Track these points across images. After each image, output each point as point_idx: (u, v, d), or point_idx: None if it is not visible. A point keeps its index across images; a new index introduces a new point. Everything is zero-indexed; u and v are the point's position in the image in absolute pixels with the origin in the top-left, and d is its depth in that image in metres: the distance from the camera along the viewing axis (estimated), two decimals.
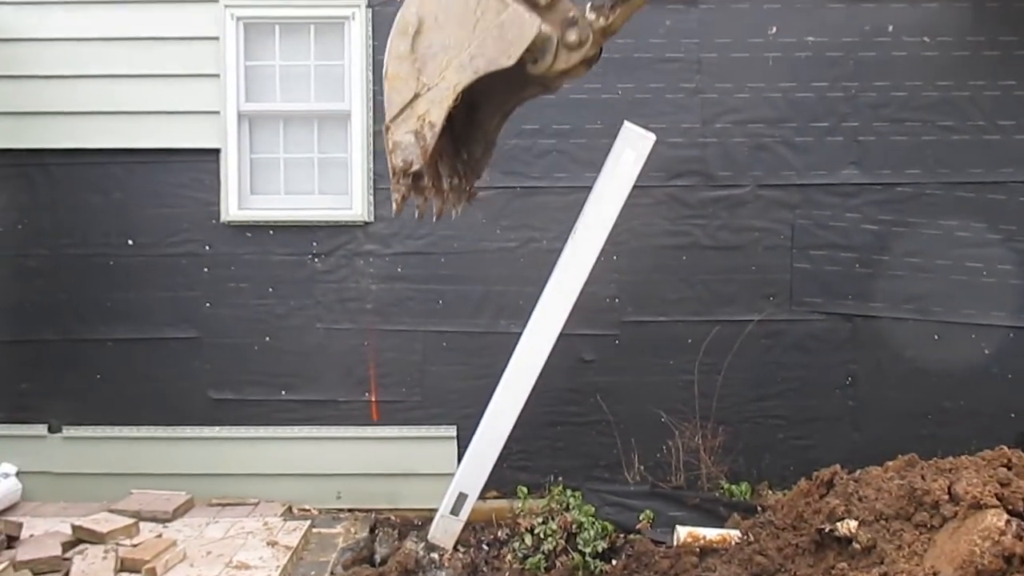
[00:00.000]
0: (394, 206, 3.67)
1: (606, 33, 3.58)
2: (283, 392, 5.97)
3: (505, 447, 5.72)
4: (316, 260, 5.92)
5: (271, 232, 5.92)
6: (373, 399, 5.87)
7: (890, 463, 4.71)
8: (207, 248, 5.94)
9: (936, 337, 5.89)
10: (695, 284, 5.89)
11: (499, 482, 5.90)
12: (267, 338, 5.95)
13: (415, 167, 3.56)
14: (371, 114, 5.84)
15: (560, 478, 5.85)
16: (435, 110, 3.46)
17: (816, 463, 5.24)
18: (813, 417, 5.91)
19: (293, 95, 5.98)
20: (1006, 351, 5.86)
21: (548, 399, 5.85)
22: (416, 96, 3.49)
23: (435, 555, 5.25)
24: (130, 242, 5.95)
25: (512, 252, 5.90)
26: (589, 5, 3.53)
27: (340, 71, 5.92)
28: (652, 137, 5.16)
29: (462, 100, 3.49)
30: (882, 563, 3.91)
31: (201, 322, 5.96)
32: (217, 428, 5.97)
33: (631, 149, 5.16)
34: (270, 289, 5.93)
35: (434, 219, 3.88)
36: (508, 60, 3.37)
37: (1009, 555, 3.49)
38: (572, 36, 3.50)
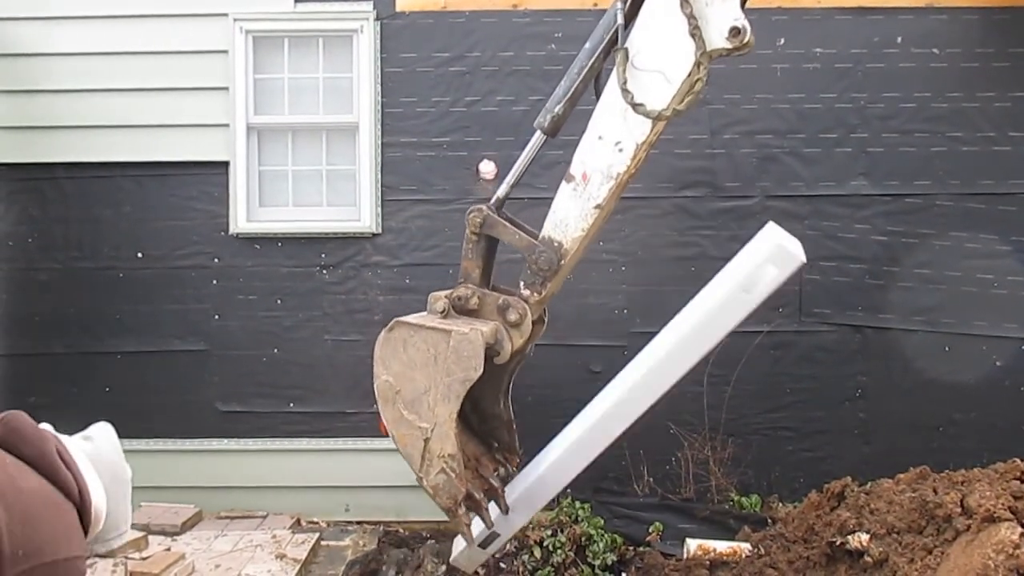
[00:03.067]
0: (467, 540, 4.10)
1: (542, 303, 3.97)
2: (291, 404, 5.97)
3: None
4: (324, 272, 5.94)
5: (279, 244, 5.94)
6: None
7: (901, 476, 4.68)
8: (216, 260, 5.95)
9: (947, 349, 5.85)
10: None
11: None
12: (275, 350, 5.95)
13: (460, 497, 3.89)
14: (379, 126, 5.86)
15: (569, 490, 5.78)
16: (447, 444, 3.78)
17: (826, 475, 5.22)
18: (823, 429, 5.88)
19: (302, 108, 6.01)
20: (1017, 363, 5.81)
21: (556, 411, 5.81)
22: (426, 441, 3.82)
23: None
24: (139, 255, 5.97)
25: (520, 263, 5.88)
26: (522, 283, 3.90)
27: (348, 83, 5.95)
28: (801, 258, 3.95)
29: (463, 410, 3.87)
30: None
31: (209, 334, 5.97)
32: (225, 440, 5.97)
33: (774, 266, 4.00)
34: (278, 301, 5.94)
35: (504, 513, 4.20)
36: (476, 372, 3.67)
37: (1022, 570, 3.45)
38: (512, 316, 3.87)
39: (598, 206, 3.65)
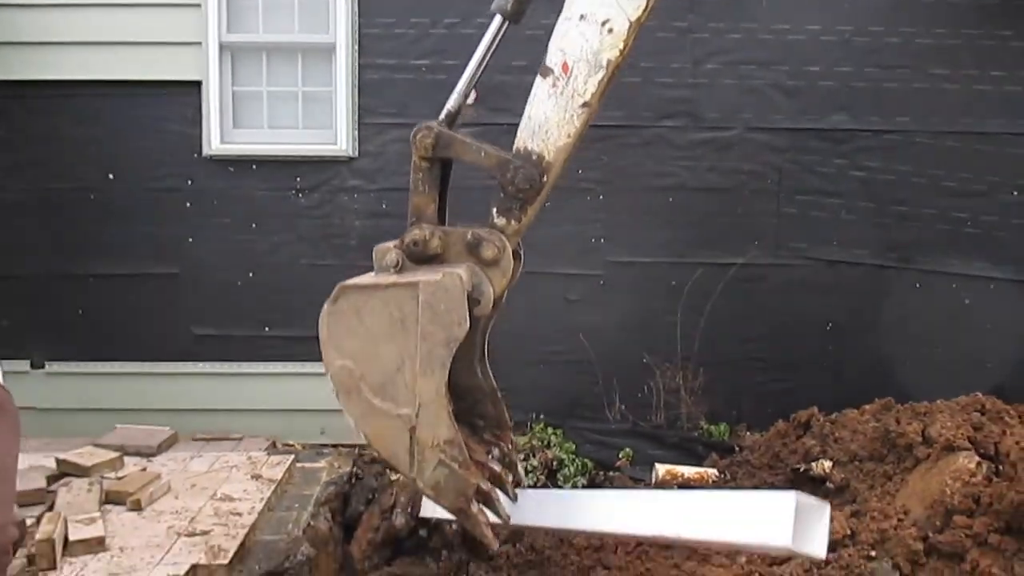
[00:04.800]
0: (487, 542, 3.29)
1: (520, 233, 3.25)
2: (266, 328, 5.97)
3: None
4: (300, 196, 5.87)
5: (254, 167, 5.85)
6: None
7: (867, 406, 4.81)
8: (189, 183, 5.86)
9: (917, 286, 5.93)
10: (680, 226, 5.88)
11: None
12: (250, 274, 5.92)
13: (471, 491, 3.21)
14: (356, 47, 5.73)
15: (542, 416, 5.91)
16: (440, 428, 3.10)
17: (795, 406, 5.34)
18: (793, 361, 5.97)
19: (276, 26, 5.84)
20: (986, 302, 5.91)
21: (531, 338, 5.89)
22: (412, 431, 3.13)
23: None
24: (110, 176, 5.86)
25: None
26: (495, 211, 3.20)
27: (325, 2, 5.78)
28: (821, 557, 3.20)
29: None
30: (854, 501, 4.01)
31: (183, 258, 5.91)
32: (200, 364, 5.97)
33: (793, 546, 3.22)
34: (253, 225, 5.88)
35: (513, 501, 3.52)
36: (461, 327, 3.03)
37: (978, 496, 3.57)
38: (488, 252, 3.15)
39: (585, 104, 2.99)
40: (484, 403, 3.66)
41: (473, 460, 3.27)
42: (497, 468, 3.50)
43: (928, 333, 5.92)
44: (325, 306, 3.18)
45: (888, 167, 5.82)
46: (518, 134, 3.11)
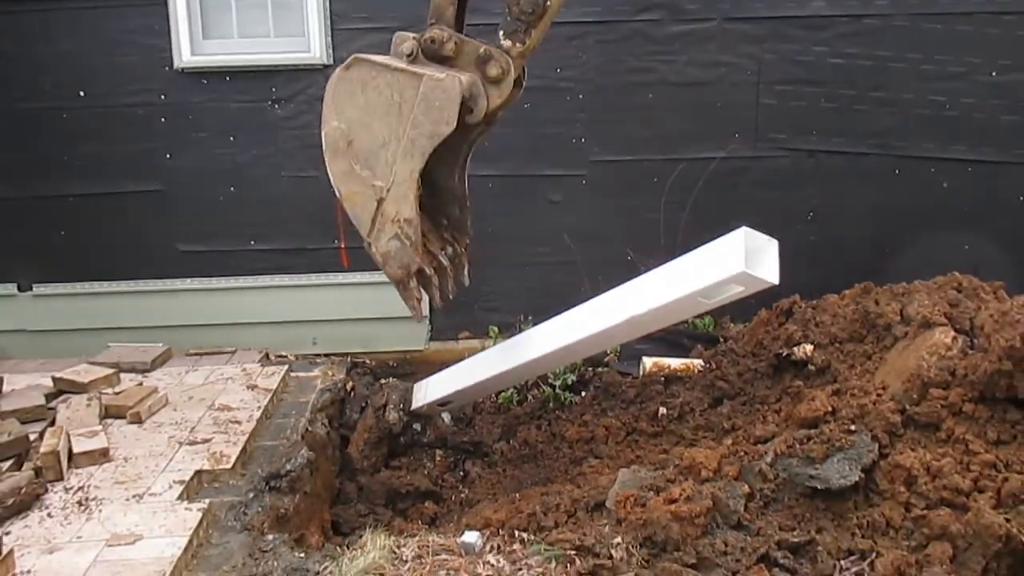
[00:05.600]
0: (414, 314, 3.77)
1: (525, 56, 3.51)
2: (252, 242, 5.98)
3: (475, 289, 5.83)
4: (276, 106, 5.79)
5: (227, 78, 5.74)
6: (343, 246, 5.88)
7: (847, 291, 4.90)
8: (162, 97, 5.76)
9: (896, 172, 5.98)
10: (661, 122, 5.86)
11: (471, 323, 6.08)
12: (232, 188, 5.89)
13: (414, 268, 3.59)
14: None
15: (530, 317, 5.98)
16: (404, 207, 3.43)
17: (776, 296, 5.41)
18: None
19: None
20: (964, 185, 5.98)
21: (516, 240, 5.94)
22: (380, 202, 3.47)
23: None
24: (82, 93, 5.75)
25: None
26: (501, 33, 3.45)
27: None
28: (772, 282, 3.83)
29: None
30: (835, 381, 4.13)
31: (163, 174, 5.86)
32: (188, 280, 6.00)
33: (740, 285, 3.84)
34: (231, 138, 5.82)
35: (449, 297, 3.92)
36: (448, 126, 3.32)
37: (953, 368, 3.69)
38: (493, 70, 3.44)
39: None
40: (452, 205, 4.03)
41: (426, 248, 3.72)
42: (445, 263, 3.88)
43: (907, 218, 5.99)
44: (337, 71, 3.48)
45: (867, 52, 5.77)
46: None
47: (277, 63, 5.72)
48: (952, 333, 3.88)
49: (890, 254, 5.98)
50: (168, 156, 5.83)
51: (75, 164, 5.81)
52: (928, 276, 4.77)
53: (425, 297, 3.87)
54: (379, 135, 3.42)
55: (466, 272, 4.18)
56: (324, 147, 3.56)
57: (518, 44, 3.45)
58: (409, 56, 3.46)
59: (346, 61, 3.44)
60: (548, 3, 3.35)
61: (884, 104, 5.86)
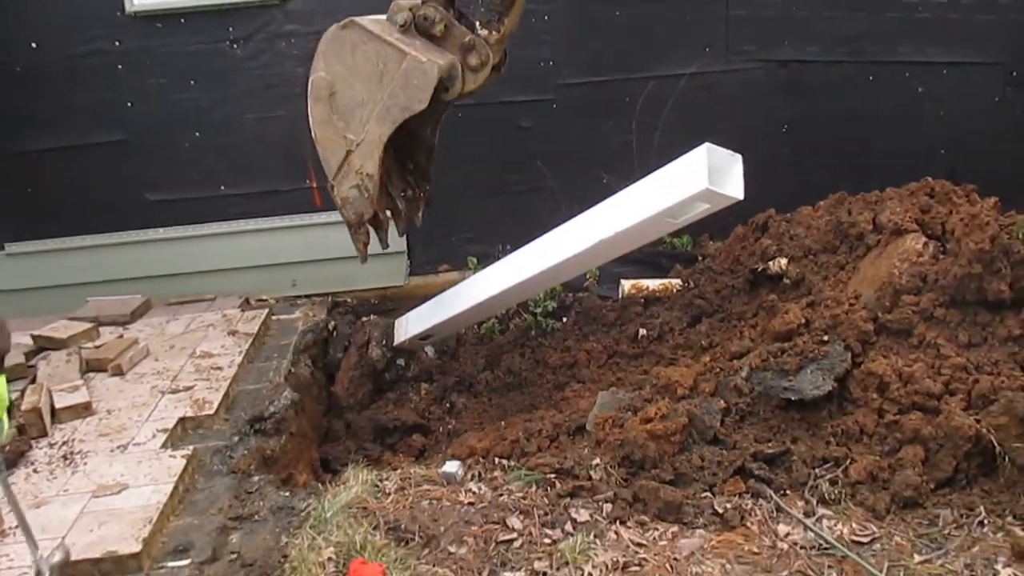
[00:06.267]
0: (360, 256, 4.17)
1: (502, 42, 3.86)
2: (222, 187, 5.89)
3: (452, 221, 5.82)
4: (235, 47, 5.63)
5: (183, 20, 5.57)
6: (314, 185, 5.81)
7: (821, 203, 4.88)
8: (116, 44, 5.59)
9: (870, 78, 5.88)
10: (628, 40, 5.73)
11: (449, 255, 6.06)
12: (196, 133, 5.77)
13: (367, 216, 4.00)
14: None
15: (508, 246, 5.95)
16: (368, 163, 3.83)
17: (753, 211, 5.38)
18: (750, 166, 5.93)
19: None
20: (939, 89, 5.89)
21: (489, 169, 5.87)
22: (348, 153, 3.87)
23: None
24: (34, 45, 5.57)
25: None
26: (478, 23, 3.79)
27: None
28: (737, 197, 3.91)
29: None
30: (810, 293, 4.14)
31: (125, 123, 5.73)
32: (161, 230, 5.93)
33: (706, 203, 3.94)
34: (191, 82, 5.68)
35: (400, 236, 4.38)
36: (420, 104, 3.67)
37: (925, 274, 3.71)
38: (473, 60, 3.80)
39: None
40: (420, 153, 4.43)
41: (386, 190, 4.18)
42: (401, 206, 4.35)
43: (881, 126, 5.93)
44: (333, 28, 3.78)
45: None
46: None
47: (233, 1, 5.54)
48: (923, 239, 3.88)
49: (865, 163, 5.93)
50: (129, 104, 5.69)
51: (34, 119, 5.66)
52: (904, 183, 4.76)
53: (374, 239, 4.26)
54: (359, 94, 3.77)
55: (420, 214, 4.55)
56: (309, 91, 3.87)
57: (494, 32, 3.79)
58: (402, 27, 3.77)
59: (342, 21, 3.73)
60: None
61: (855, 8, 5.73)
